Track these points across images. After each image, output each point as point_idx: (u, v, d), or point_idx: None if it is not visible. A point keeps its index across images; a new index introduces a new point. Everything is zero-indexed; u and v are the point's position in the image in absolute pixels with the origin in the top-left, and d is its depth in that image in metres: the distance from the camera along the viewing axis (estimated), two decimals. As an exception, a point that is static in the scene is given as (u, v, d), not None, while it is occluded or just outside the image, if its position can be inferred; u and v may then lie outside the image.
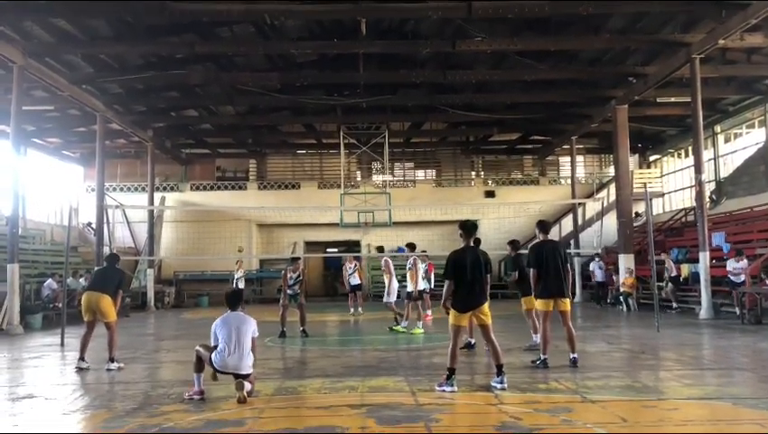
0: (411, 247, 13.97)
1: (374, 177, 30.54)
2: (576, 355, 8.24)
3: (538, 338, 9.23)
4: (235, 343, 6.60)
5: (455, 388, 6.74)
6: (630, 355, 9.85)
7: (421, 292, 13.97)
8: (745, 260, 15.24)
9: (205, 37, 18.15)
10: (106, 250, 21.15)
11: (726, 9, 14.66)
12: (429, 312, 15.44)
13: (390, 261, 14.71)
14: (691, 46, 16.01)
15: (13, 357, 10.91)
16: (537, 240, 8.82)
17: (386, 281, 14.55)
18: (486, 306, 7.03)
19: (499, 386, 6.82)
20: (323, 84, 22.82)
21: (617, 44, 18.14)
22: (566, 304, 8.34)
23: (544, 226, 8.90)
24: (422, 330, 13.05)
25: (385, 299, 14.54)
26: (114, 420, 5.82)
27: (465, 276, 6.92)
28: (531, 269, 8.44)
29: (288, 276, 12.98)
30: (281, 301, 13.29)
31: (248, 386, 6.50)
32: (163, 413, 6.04)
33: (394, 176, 30.20)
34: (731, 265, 15.34)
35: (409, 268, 13.55)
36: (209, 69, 20.83)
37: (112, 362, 8.91)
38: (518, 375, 7.67)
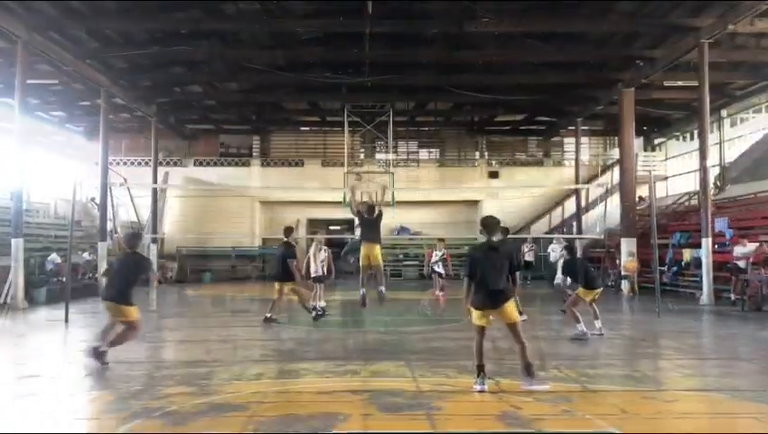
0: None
1: (377, 156, 30.43)
2: None
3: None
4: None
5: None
6: (630, 342, 9.91)
7: None
8: (751, 245, 15.05)
9: (210, 13, 17.94)
10: (109, 224, 21.25)
11: (737, -6, 14.48)
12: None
13: None
14: (700, 30, 15.83)
15: (18, 332, 11.01)
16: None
17: None
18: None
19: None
20: (328, 62, 22.64)
21: (625, 27, 17.91)
22: None
23: None
24: None
25: None
26: (118, 403, 5.90)
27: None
28: None
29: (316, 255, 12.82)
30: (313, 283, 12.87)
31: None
32: (167, 396, 6.11)
33: (398, 155, 30.08)
34: (738, 251, 15.13)
35: None
36: (213, 45, 20.60)
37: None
38: (518, 364, 7.72)
